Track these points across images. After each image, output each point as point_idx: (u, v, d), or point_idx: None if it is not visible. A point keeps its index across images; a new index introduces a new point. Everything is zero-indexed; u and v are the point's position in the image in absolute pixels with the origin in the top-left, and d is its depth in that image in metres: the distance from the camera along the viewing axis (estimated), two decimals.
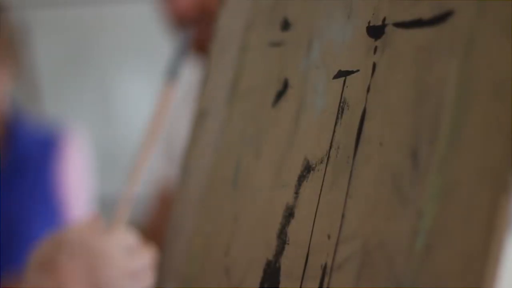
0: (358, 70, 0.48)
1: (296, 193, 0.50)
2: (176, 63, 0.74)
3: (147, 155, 0.71)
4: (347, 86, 0.48)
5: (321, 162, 0.48)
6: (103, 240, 0.63)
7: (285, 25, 0.57)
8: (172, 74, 0.73)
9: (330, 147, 0.48)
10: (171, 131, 1.10)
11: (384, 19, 0.46)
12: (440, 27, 0.42)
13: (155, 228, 1.07)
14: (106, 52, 2.09)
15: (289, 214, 0.50)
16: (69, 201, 1.35)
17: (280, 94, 0.55)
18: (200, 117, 0.66)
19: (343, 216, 0.45)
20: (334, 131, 0.48)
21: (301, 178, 0.50)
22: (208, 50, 0.91)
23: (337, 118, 0.48)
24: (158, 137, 0.72)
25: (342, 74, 0.49)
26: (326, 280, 0.45)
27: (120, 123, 2.16)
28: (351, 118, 0.47)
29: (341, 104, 0.48)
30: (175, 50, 0.75)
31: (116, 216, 0.68)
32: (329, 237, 0.46)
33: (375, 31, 0.47)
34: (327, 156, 0.48)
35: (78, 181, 1.39)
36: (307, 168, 0.50)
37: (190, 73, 1.05)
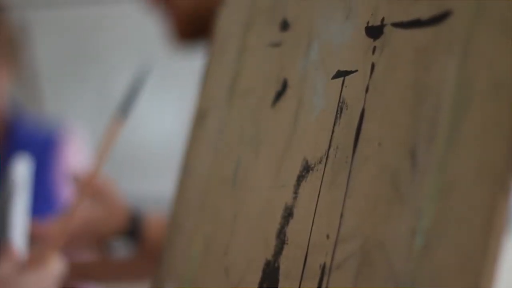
0: (356, 70, 0.48)
1: (295, 193, 0.50)
2: (130, 100, 0.74)
3: (88, 188, 0.72)
4: (346, 86, 0.48)
5: (320, 162, 0.48)
6: (19, 279, 0.64)
7: (284, 26, 0.57)
8: (123, 110, 0.73)
9: (329, 147, 0.48)
10: None
11: (382, 19, 0.46)
12: (438, 27, 0.42)
13: None
14: (106, 52, 2.10)
15: (288, 214, 0.50)
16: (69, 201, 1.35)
17: (279, 94, 0.55)
18: (200, 117, 0.66)
19: (342, 216, 0.45)
20: (333, 131, 0.48)
21: (300, 178, 0.50)
22: (188, 34, 0.93)
23: (336, 118, 0.48)
24: (101, 170, 0.72)
25: (341, 74, 0.49)
26: (325, 280, 0.45)
27: None
28: (350, 118, 0.47)
29: (340, 104, 0.48)
30: (129, 86, 0.75)
31: (45, 249, 0.68)
32: (328, 237, 0.46)
33: (374, 31, 0.47)
34: (326, 156, 0.48)
35: None
36: (306, 168, 0.50)
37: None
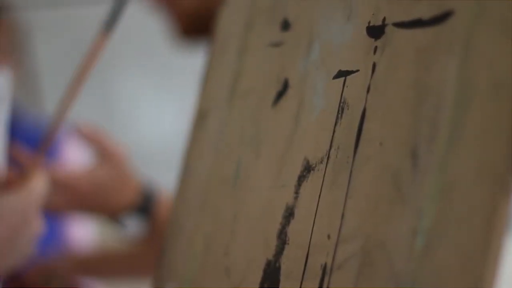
0: (358, 70, 0.48)
1: (296, 193, 0.50)
2: (115, 13, 0.72)
3: (70, 103, 0.69)
4: (347, 86, 0.48)
5: (321, 162, 0.48)
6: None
7: (285, 25, 0.57)
8: (109, 24, 0.72)
9: (330, 147, 0.48)
10: None
11: (384, 19, 0.46)
12: (439, 27, 0.42)
13: None
14: (107, 52, 2.09)
15: (289, 214, 0.50)
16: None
17: (280, 94, 0.55)
18: (200, 117, 0.66)
19: (343, 216, 0.45)
20: (334, 131, 0.48)
21: (301, 178, 0.50)
22: (189, 32, 0.93)
23: (337, 118, 0.48)
24: (83, 85, 0.70)
25: (342, 74, 0.49)
26: (326, 280, 0.45)
27: (121, 123, 2.16)
28: (351, 118, 0.47)
29: (341, 104, 0.48)
30: (115, 1, 0.73)
31: (27, 168, 0.65)
32: (329, 237, 0.46)
33: (375, 31, 0.47)
34: (327, 156, 0.48)
35: None
36: (307, 168, 0.50)
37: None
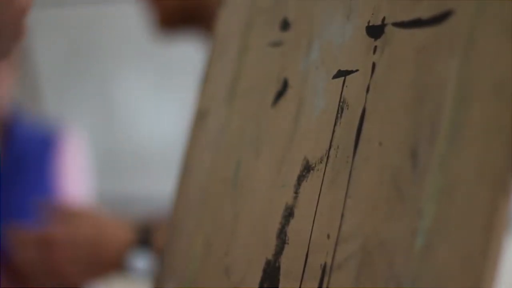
0: (357, 70, 0.48)
1: (296, 193, 0.50)
2: None
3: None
4: (346, 86, 0.48)
5: (321, 162, 0.48)
6: None
7: (285, 25, 0.57)
8: None
9: (330, 147, 0.48)
10: None
11: (383, 19, 0.46)
12: (439, 27, 0.42)
13: None
14: (107, 52, 2.10)
15: (289, 214, 0.50)
16: (67, 200, 1.35)
17: (279, 94, 0.55)
18: (200, 117, 0.66)
19: (342, 216, 0.45)
20: (333, 131, 0.48)
21: (301, 178, 0.50)
22: (172, 24, 0.94)
23: (336, 118, 0.48)
24: None
25: (342, 74, 0.49)
26: (325, 279, 0.45)
27: (121, 123, 2.16)
28: (350, 118, 0.47)
29: (341, 104, 0.48)
30: None
31: None
32: (328, 236, 0.46)
33: (375, 31, 0.47)
34: (326, 156, 0.48)
35: (76, 180, 1.39)
36: (307, 168, 0.50)
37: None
